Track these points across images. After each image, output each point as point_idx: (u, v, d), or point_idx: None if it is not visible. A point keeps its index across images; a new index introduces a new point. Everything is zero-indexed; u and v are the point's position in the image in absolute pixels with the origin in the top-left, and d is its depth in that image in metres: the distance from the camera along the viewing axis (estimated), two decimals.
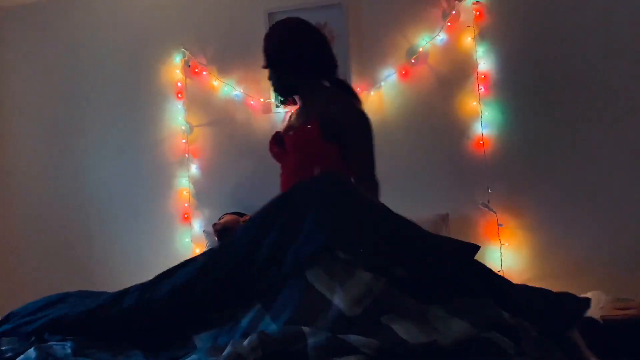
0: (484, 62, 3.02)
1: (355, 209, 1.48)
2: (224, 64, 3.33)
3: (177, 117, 3.37)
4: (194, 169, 3.36)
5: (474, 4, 3.02)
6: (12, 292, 3.51)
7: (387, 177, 3.10)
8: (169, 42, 3.38)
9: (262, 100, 3.25)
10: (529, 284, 2.97)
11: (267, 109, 3.26)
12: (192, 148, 3.35)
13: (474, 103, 3.02)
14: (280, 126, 3.24)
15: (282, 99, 3.24)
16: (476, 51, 3.02)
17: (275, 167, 3.24)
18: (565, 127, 2.95)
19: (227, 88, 3.30)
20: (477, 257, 2.87)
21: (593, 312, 2.47)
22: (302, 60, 2.01)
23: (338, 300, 1.24)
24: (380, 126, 3.12)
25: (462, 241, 1.54)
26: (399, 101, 3.13)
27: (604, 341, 2.28)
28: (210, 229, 2.87)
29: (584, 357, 1.35)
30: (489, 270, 1.50)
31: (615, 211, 2.89)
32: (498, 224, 2.97)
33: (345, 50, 3.14)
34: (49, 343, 1.34)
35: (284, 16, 3.20)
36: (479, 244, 2.52)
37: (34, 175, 3.59)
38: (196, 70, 3.34)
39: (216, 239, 2.51)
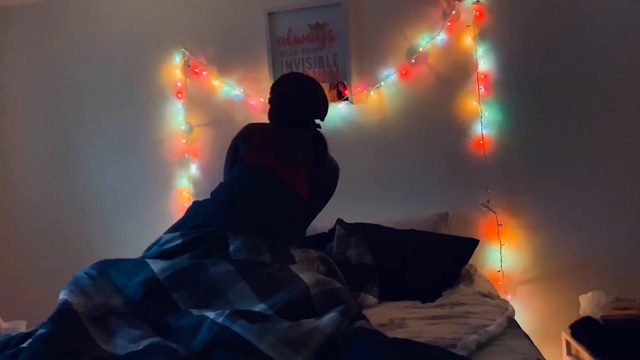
0: (484, 62, 3.02)
1: None
2: (224, 64, 3.33)
3: (177, 117, 3.37)
4: (194, 169, 3.36)
5: (474, 4, 3.02)
6: (11, 292, 3.52)
7: (387, 177, 3.12)
8: (169, 42, 3.38)
9: (262, 100, 3.24)
10: (529, 284, 3.01)
11: (267, 109, 3.25)
12: (192, 148, 3.35)
13: (474, 103, 3.02)
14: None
15: None
16: (476, 51, 3.02)
17: None
18: (565, 126, 2.95)
19: (227, 88, 3.30)
20: (477, 256, 2.90)
21: (593, 312, 2.48)
22: None
23: None
24: (380, 126, 3.15)
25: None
26: (399, 101, 3.13)
27: (604, 341, 2.29)
28: None
29: None
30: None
31: (615, 211, 2.89)
32: (498, 224, 2.97)
33: (346, 50, 3.15)
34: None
35: (284, 16, 3.23)
36: (478, 240, 2.54)
37: (34, 175, 3.58)
38: (196, 70, 3.35)
39: None
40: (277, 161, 1.98)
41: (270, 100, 2.22)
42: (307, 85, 2.23)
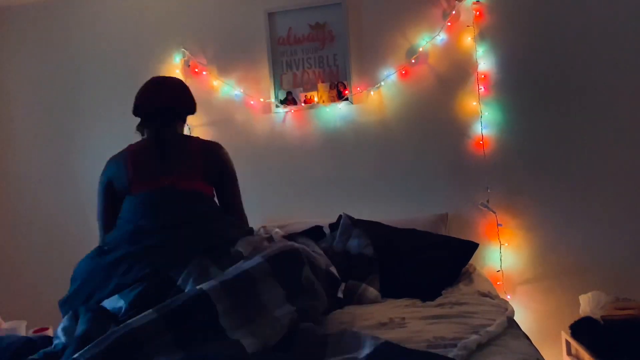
0: (484, 62, 3.02)
1: None
2: (224, 64, 3.33)
3: None
4: None
5: (474, 4, 3.02)
6: (11, 292, 3.52)
7: (387, 177, 3.12)
8: (169, 42, 3.38)
9: (262, 100, 3.25)
10: (529, 284, 3.01)
11: (267, 109, 3.26)
12: None
13: (474, 103, 3.02)
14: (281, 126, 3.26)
15: (282, 99, 3.27)
16: (476, 51, 3.02)
17: (275, 168, 3.25)
18: (565, 126, 2.95)
19: (227, 88, 3.30)
20: (477, 256, 2.90)
21: (593, 312, 2.48)
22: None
23: None
24: (380, 126, 3.15)
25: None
26: (399, 101, 3.13)
27: (604, 341, 2.29)
28: None
29: None
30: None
31: (615, 211, 2.89)
32: (498, 224, 2.97)
33: (345, 50, 3.15)
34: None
35: (284, 16, 3.23)
36: (478, 244, 2.56)
37: (34, 175, 3.58)
38: (196, 70, 3.34)
39: None
40: (166, 177, 1.84)
41: (134, 111, 2.04)
42: (161, 81, 2.08)
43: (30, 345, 1.65)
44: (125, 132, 3.48)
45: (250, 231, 1.94)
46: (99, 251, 1.78)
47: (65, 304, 1.71)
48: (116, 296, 1.60)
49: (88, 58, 3.52)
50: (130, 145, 2.01)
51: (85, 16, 3.52)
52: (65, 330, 1.60)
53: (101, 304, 1.61)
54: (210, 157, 1.98)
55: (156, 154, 1.91)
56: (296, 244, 1.76)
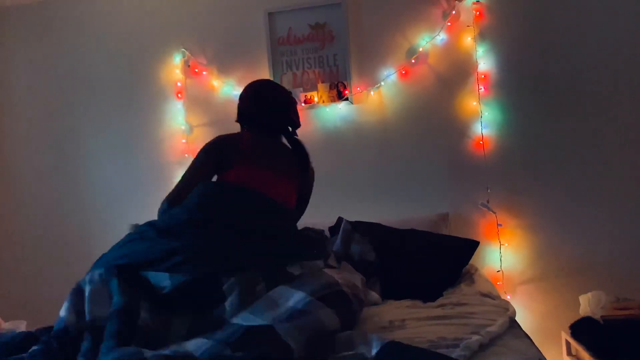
0: (484, 62, 3.02)
1: None
2: (224, 64, 3.33)
3: (177, 117, 3.37)
4: None
5: (474, 4, 3.02)
6: (11, 292, 3.51)
7: (387, 177, 3.13)
8: (169, 42, 3.38)
9: None
10: (529, 284, 3.01)
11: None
12: (192, 148, 3.34)
13: (474, 103, 3.02)
14: None
15: None
16: (476, 51, 3.02)
17: None
18: (565, 126, 2.95)
19: (227, 88, 3.29)
20: (477, 256, 2.90)
21: (593, 312, 2.48)
22: None
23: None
24: (380, 126, 3.15)
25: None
26: (399, 101, 3.13)
27: (604, 341, 2.29)
28: None
29: None
30: None
31: (615, 211, 2.89)
32: (498, 224, 2.97)
33: (345, 50, 3.15)
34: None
35: (284, 16, 3.24)
36: (479, 241, 2.56)
37: (34, 175, 3.58)
38: (196, 70, 3.34)
39: None
40: (271, 177, 1.90)
41: (248, 107, 2.09)
42: (283, 92, 2.17)
43: (32, 340, 1.66)
44: (125, 132, 3.50)
45: (318, 244, 1.91)
46: (156, 231, 1.76)
47: (103, 257, 1.80)
48: (166, 275, 1.59)
49: (88, 58, 3.51)
50: (242, 134, 2.08)
51: (85, 16, 3.52)
52: (69, 309, 1.59)
53: (145, 274, 1.61)
54: (306, 180, 2.12)
55: (269, 153, 1.99)
56: (340, 282, 1.67)
